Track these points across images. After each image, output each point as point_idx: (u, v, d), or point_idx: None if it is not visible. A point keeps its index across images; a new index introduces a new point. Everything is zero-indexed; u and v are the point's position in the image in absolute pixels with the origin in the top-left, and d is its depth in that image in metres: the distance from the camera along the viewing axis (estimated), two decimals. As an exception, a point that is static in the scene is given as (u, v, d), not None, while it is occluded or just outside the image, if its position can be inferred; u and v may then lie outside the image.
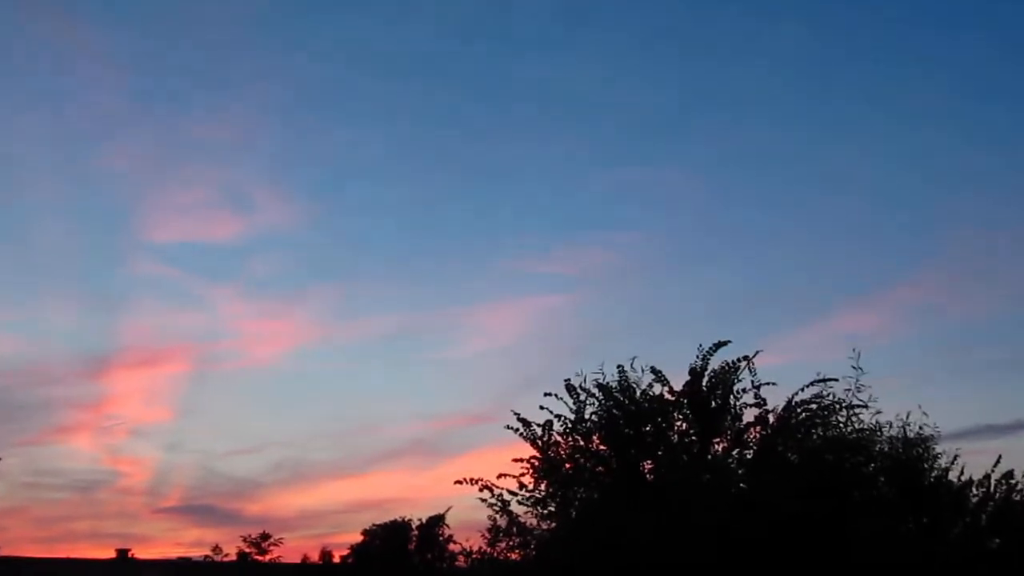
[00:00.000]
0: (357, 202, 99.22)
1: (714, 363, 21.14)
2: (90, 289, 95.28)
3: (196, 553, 63.76)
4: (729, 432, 21.13)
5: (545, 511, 21.62)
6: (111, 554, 62.93)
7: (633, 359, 21.43)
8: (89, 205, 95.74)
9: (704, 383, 21.11)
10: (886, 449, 23.76)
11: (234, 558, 60.84)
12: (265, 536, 60.97)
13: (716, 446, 21.12)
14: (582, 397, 21.43)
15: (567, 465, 21.57)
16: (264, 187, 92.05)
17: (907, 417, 24.81)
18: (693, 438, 21.09)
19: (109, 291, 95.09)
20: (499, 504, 21.65)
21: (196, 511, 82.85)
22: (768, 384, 21.11)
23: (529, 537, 22.23)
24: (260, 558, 60.56)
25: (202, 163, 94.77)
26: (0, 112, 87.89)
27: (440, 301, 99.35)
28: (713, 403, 21.06)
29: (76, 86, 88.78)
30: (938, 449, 24.68)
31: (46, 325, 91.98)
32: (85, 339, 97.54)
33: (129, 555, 62.85)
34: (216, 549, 61.04)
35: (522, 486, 21.44)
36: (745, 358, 21.03)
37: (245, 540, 60.89)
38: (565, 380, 21.55)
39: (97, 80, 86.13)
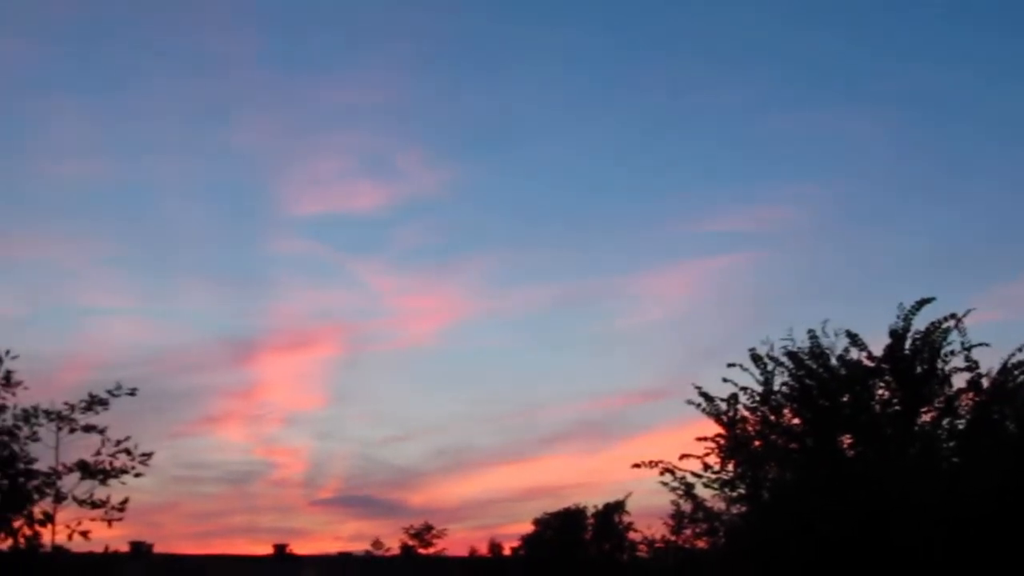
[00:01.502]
0: (512, 163, 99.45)
1: (917, 324, 20.81)
2: (232, 269, 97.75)
3: (356, 548, 65.15)
4: (937, 400, 20.74)
5: (734, 494, 21.63)
6: (268, 550, 64.83)
7: (825, 322, 21.20)
8: (225, 182, 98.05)
9: (907, 346, 20.74)
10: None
11: (396, 552, 61.92)
12: (428, 528, 61.80)
13: (923, 416, 20.75)
14: (770, 367, 21.28)
15: (756, 442, 21.48)
16: (410, 151, 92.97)
17: None
18: (896, 408, 20.76)
19: (251, 270, 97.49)
20: (683, 488, 21.75)
21: (355, 503, 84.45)
22: (980, 345, 20.71)
23: (717, 523, 22.27)
24: (424, 551, 61.48)
25: (342, 129, 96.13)
26: (125, 90, 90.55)
27: (607, 267, 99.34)
28: (918, 368, 20.68)
29: (205, 55, 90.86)
30: None
31: (189, 310, 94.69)
32: (230, 323, 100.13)
33: (287, 551, 64.59)
34: (376, 543, 62.22)
35: (707, 467, 21.46)
36: (952, 316, 20.61)
37: (407, 532, 61.84)
38: (750, 349, 21.45)
39: (227, 47, 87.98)
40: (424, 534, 61.41)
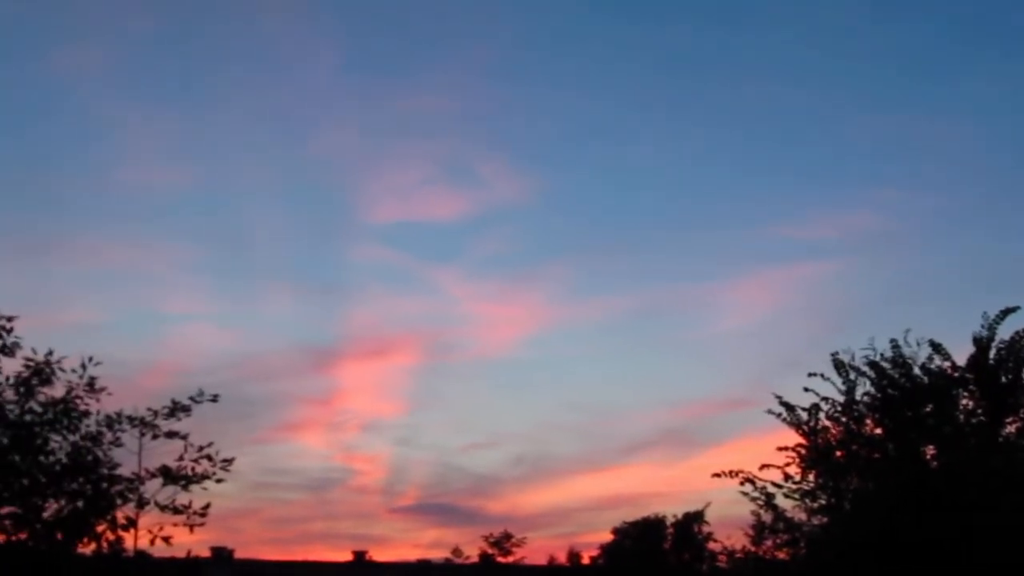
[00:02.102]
0: (592, 169, 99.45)
1: (1002, 333, 20.66)
2: (312, 277, 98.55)
3: (435, 555, 65.41)
4: (1022, 410, 20.46)
5: (815, 504, 21.46)
6: (347, 556, 65.20)
7: (907, 331, 21.07)
8: (304, 190, 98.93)
9: (991, 356, 20.56)
10: None
11: (476, 560, 62.07)
12: (508, 536, 61.93)
13: (1007, 426, 20.52)
14: (851, 376, 21.12)
15: (838, 452, 21.28)
16: (488, 159, 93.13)
17: None
18: (981, 418, 20.54)
19: (332, 278, 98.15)
20: (763, 498, 21.61)
21: (434, 510, 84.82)
22: (1068, 353, 20.31)
23: (798, 534, 22.11)
24: (503, 559, 61.57)
25: (420, 137, 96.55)
26: (206, 98, 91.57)
27: (687, 275, 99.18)
28: (1003, 378, 20.48)
29: (285, 62, 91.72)
30: None
31: (269, 317, 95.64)
32: (310, 330, 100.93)
33: (366, 557, 64.93)
34: (456, 551, 62.41)
35: (788, 477, 21.31)
36: (1039, 325, 20.32)
37: (486, 540, 61.97)
38: (832, 354, 21.31)
39: (307, 54, 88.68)
40: (503, 542, 61.53)
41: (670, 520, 56.59)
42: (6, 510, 18.38)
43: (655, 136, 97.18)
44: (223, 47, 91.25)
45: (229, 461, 20.10)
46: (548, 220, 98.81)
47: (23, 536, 18.48)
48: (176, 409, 20.02)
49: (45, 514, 18.64)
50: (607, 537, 58.61)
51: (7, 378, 18.76)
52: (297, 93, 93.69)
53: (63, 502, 18.79)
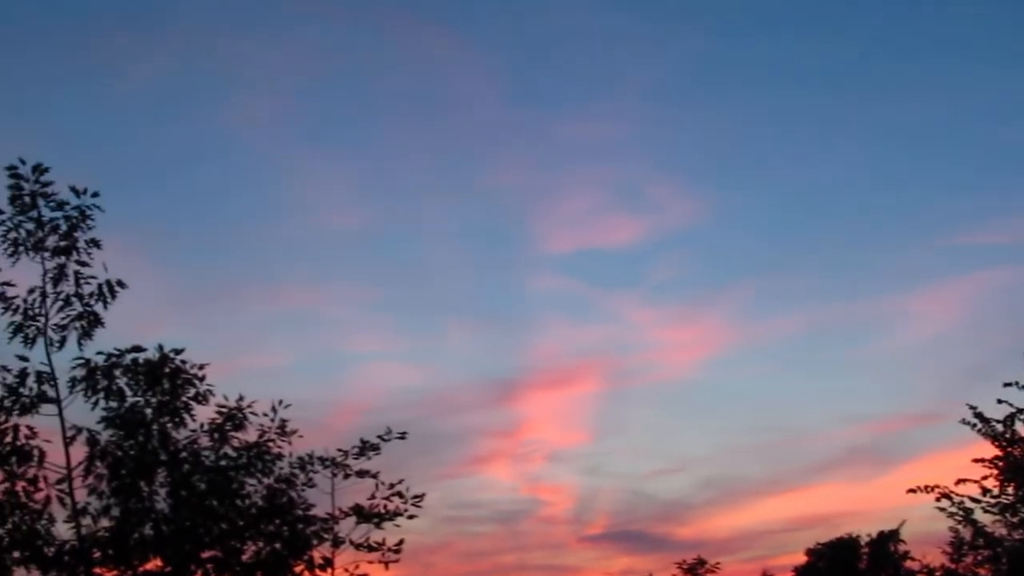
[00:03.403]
0: (766, 188, 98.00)
1: None
2: (491, 310, 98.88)
3: (627, 584, 64.91)
4: None
5: (1015, 519, 20.71)
6: (537, 588, 65.24)
7: (1101, 335, 20.21)
8: (480, 224, 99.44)
9: None
10: None
11: (669, 586, 61.55)
12: (701, 562, 61.17)
13: None
14: (1047, 382, 20.28)
15: (1036, 464, 20.51)
16: (661, 183, 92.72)
17: None
18: None
19: (511, 310, 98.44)
20: (961, 513, 20.95)
21: (623, 538, 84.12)
22: None
23: (999, 549, 21.42)
24: (697, 585, 60.89)
25: (591, 164, 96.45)
26: (380, 140, 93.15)
27: (866, 289, 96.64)
28: None
29: (454, 101, 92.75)
30: None
31: (451, 352, 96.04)
32: (492, 363, 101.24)
33: (560, 588, 64.92)
34: (649, 578, 61.94)
35: (986, 491, 20.60)
36: None
37: (679, 567, 61.38)
38: (1025, 354, 20.50)
39: (474, 91, 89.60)
40: (697, 568, 60.84)
41: (864, 539, 55.43)
42: (207, 554, 18.75)
43: (826, 154, 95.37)
44: (392, 87, 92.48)
45: (420, 497, 20.26)
46: (724, 241, 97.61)
47: (225, 579, 18.83)
48: (366, 448, 20.25)
49: (244, 556, 18.95)
50: (801, 559, 57.36)
51: (202, 425, 19.16)
52: (468, 128, 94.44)
53: (261, 544, 19.08)
